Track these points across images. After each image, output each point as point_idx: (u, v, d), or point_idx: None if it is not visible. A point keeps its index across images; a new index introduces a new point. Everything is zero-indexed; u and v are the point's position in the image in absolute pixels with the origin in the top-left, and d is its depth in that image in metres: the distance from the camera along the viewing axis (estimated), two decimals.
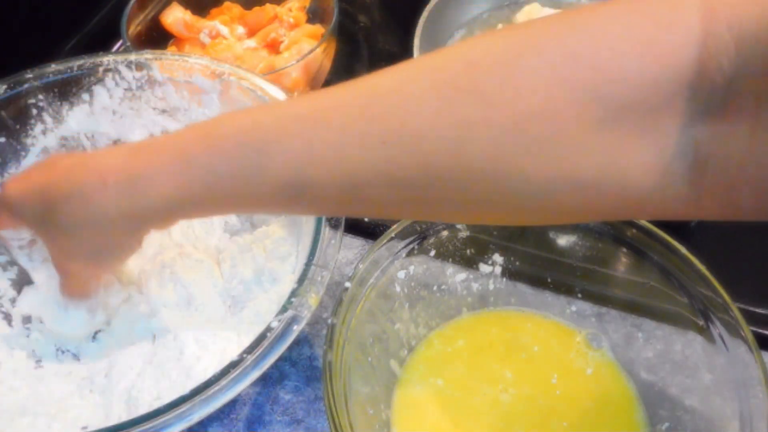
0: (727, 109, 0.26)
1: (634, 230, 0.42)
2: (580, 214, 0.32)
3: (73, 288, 0.44)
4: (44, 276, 0.47)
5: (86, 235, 0.38)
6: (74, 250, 0.40)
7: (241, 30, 0.67)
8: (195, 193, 0.34)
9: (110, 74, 0.51)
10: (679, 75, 0.26)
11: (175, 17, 0.66)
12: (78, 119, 0.52)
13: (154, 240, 0.52)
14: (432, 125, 0.29)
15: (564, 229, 0.44)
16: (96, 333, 0.48)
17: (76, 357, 0.47)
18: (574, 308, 0.46)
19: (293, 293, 0.39)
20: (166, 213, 0.36)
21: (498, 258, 0.46)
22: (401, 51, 0.70)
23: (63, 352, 0.48)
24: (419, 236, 0.43)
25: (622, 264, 0.43)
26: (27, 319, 0.49)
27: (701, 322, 0.39)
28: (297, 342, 0.48)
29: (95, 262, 0.42)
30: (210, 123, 0.35)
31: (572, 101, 0.27)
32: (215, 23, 0.66)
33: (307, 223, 0.45)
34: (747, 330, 0.37)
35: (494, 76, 0.29)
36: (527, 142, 0.28)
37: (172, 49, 0.67)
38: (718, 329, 0.38)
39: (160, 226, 0.39)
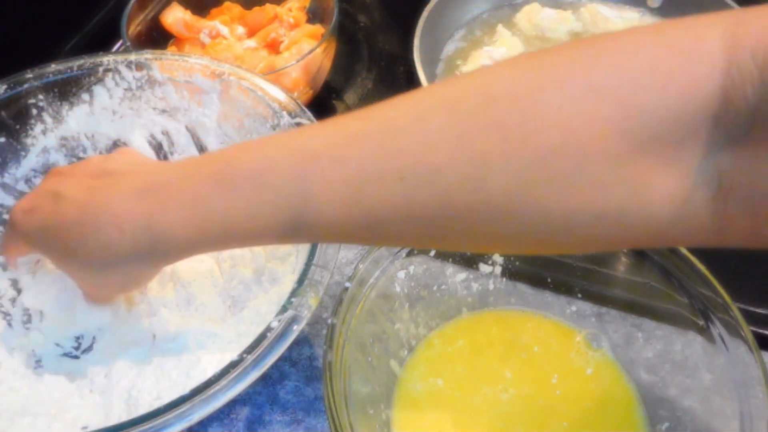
0: (752, 137, 0.26)
1: None
2: (601, 244, 0.32)
3: (96, 300, 0.47)
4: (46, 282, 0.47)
5: (107, 273, 0.39)
6: (95, 283, 0.42)
7: (241, 30, 0.67)
8: (211, 235, 0.35)
9: (110, 74, 0.51)
10: (703, 106, 0.26)
11: (175, 17, 0.66)
12: (78, 119, 0.52)
13: None
14: (450, 161, 0.29)
15: None
16: (94, 337, 0.48)
17: (76, 357, 0.47)
18: (574, 308, 0.46)
19: (293, 293, 0.39)
20: (184, 252, 0.37)
21: (498, 258, 0.46)
22: (401, 51, 0.70)
23: (64, 353, 0.48)
24: None
25: (622, 264, 0.43)
26: (27, 318, 0.49)
27: (701, 322, 0.39)
28: (297, 342, 0.48)
29: (117, 289, 0.44)
30: (223, 159, 0.35)
31: (594, 136, 0.27)
32: (215, 23, 0.66)
33: None
34: (747, 330, 0.37)
35: (514, 110, 0.28)
36: (548, 177, 0.28)
37: (172, 49, 0.67)
38: (718, 329, 0.38)
39: (181, 259, 0.39)
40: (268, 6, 0.69)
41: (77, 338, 0.49)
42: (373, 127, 0.31)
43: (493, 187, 0.29)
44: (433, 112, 0.30)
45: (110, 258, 0.37)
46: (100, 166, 0.40)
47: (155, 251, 0.36)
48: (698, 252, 0.40)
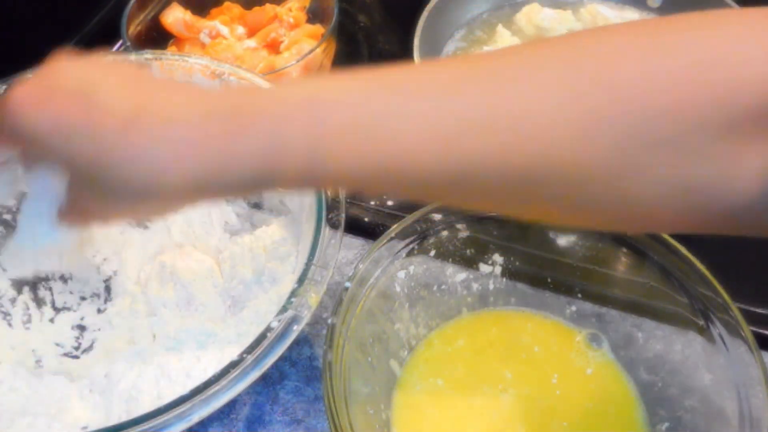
0: None
1: None
2: (678, 223, 0.32)
3: (75, 221, 0.38)
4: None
5: (136, 201, 0.32)
6: (110, 205, 0.34)
7: (241, 30, 0.67)
8: (287, 169, 0.30)
9: None
10: None
11: (175, 17, 0.66)
12: None
13: (154, 240, 0.52)
14: (556, 117, 0.28)
15: (564, 229, 0.44)
16: (94, 340, 0.48)
17: (76, 357, 0.47)
18: (574, 308, 0.46)
19: (293, 293, 0.39)
20: (241, 189, 0.33)
21: (498, 258, 0.46)
22: (401, 51, 0.70)
23: (64, 353, 0.48)
24: (419, 236, 0.43)
25: (622, 264, 0.43)
26: (28, 318, 0.49)
27: (701, 322, 0.39)
28: (297, 342, 0.48)
29: (127, 215, 0.37)
30: (306, 89, 0.31)
31: (699, 106, 0.27)
32: (215, 23, 0.66)
33: (307, 222, 0.45)
34: (747, 330, 0.37)
35: (626, 71, 0.28)
36: (651, 141, 0.28)
37: (172, 49, 0.67)
38: (718, 329, 0.38)
39: (225, 197, 0.35)
40: (268, 6, 0.69)
41: (77, 338, 0.49)
42: (479, 72, 0.30)
43: (596, 146, 0.28)
44: (543, 65, 0.29)
45: (156, 186, 0.31)
46: (144, 72, 0.33)
47: (212, 184, 0.31)
48: (698, 252, 0.40)
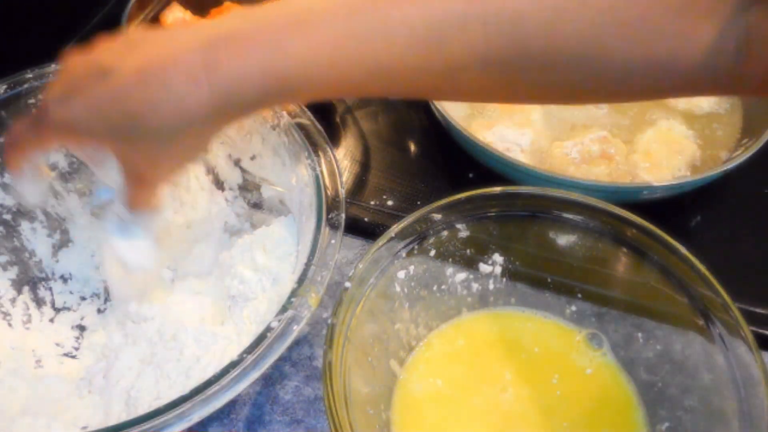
0: None
1: (634, 230, 0.42)
2: (646, 92, 0.37)
3: (143, 199, 0.42)
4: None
5: (176, 139, 0.36)
6: (157, 157, 0.38)
7: None
8: (291, 83, 0.34)
9: None
10: None
11: (175, 17, 0.66)
12: None
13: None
14: (532, 7, 0.32)
15: (564, 229, 0.44)
16: (93, 340, 0.48)
17: (75, 357, 0.47)
18: (574, 308, 0.46)
19: (293, 293, 0.39)
20: (260, 104, 0.36)
21: (498, 258, 0.46)
22: None
23: (64, 353, 0.48)
24: (419, 236, 0.43)
25: (622, 264, 0.43)
26: (28, 318, 0.49)
27: (701, 322, 0.39)
28: (297, 342, 0.48)
29: (173, 159, 0.39)
30: (297, 5, 0.34)
31: None
32: None
33: (307, 222, 0.45)
34: (747, 330, 0.37)
35: None
36: (616, 24, 0.32)
37: None
38: (718, 329, 0.38)
39: (250, 115, 0.40)
40: None
41: (77, 338, 0.49)
42: None
43: (568, 32, 0.32)
44: None
45: (185, 117, 0.34)
46: (137, 35, 0.37)
47: (230, 104, 0.34)
48: (698, 252, 0.40)
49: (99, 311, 0.50)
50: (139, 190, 0.41)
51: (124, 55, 0.35)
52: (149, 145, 0.36)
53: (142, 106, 0.34)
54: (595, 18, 0.32)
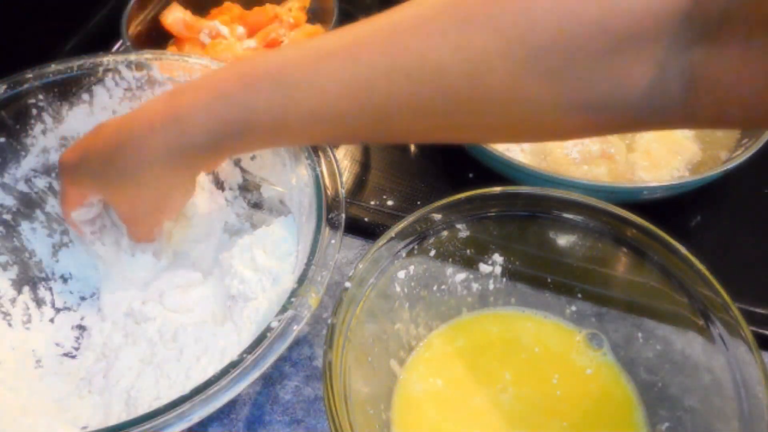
0: (720, 34, 0.29)
1: (634, 230, 0.42)
2: (588, 131, 0.36)
3: (140, 234, 0.47)
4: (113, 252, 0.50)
5: (144, 180, 0.41)
6: (135, 198, 0.42)
7: (241, 30, 0.67)
8: (234, 128, 0.37)
9: (110, 74, 0.51)
10: (678, 7, 0.29)
11: (175, 17, 0.66)
12: (78, 119, 0.52)
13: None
14: (452, 59, 0.32)
15: (564, 229, 0.44)
16: (93, 341, 0.48)
17: (75, 357, 0.47)
18: (574, 308, 0.46)
19: (293, 293, 0.39)
20: (211, 149, 0.39)
21: (498, 258, 0.46)
22: None
23: (64, 353, 0.48)
24: (419, 236, 0.43)
25: (622, 264, 0.43)
26: (28, 318, 0.49)
27: (701, 322, 0.39)
28: (297, 342, 0.48)
29: (156, 207, 0.44)
30: (244, 64, 0.38)
31: (581, 35, 0.30)
32: (215, 23, 0.66)
33: (307, 223, 0.45)
34: (747, 330, 0.37)
35: (509, 11, 0.31)
36: (540, 72, 0.31)
37: (172, 49, 0.67)
38: (718, 329, 0.38)
39: (209, 164, 0.43)
40: (268, 6, 0.69)
41: (77, 338, 0.49)
42: (381, 29, 0.34)
43: (491, 81, 0.32)
44: (434, 15, 0.33)
45: (144, 158, 0.39)
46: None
47: (183, 145, 0.38)
48: (698, 252, 0.40)
49: (99, 311, 0.50)
50: (135, 229, 0.47)
51: (126, 117, 0.42)
52: (122, 189, 0.42)
53: (112, 148, 0.40)
54: (516, 69, 0.31)
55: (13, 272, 0.50)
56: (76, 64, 0.51)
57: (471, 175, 0.59)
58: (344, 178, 0.57)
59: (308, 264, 0.40)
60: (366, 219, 0.56)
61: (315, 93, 0.35)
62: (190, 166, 0.42)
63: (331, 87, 0.35)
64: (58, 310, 0.50)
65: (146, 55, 0.52)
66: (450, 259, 0.45)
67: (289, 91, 0.35)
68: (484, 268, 0.46)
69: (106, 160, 0.41)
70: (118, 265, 0.49)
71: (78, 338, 0.49)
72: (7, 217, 0.50)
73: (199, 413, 0.34)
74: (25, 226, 0.51)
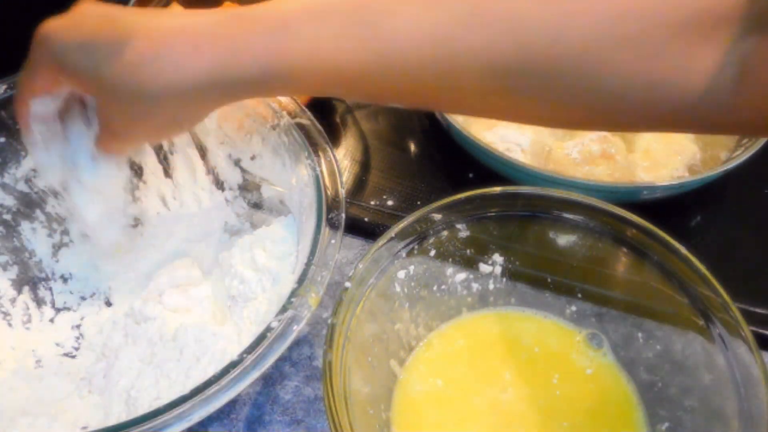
0: None
1: (634, 230, 0.42)
2: (640, 119, 0.36)
3: (111, 145, 0.41)
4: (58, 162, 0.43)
5: (163, 101, 0.35)
6: (141, 114, 0.37)
7: None
8: (293, 64, 0.34)
9: None
10: None
11: None
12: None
13: (153, 239, 0.52)
14: (535, 11, 0.32)
15: (564, 228, 0.44)
16: (93, 341, 0.48)
17: (75, 357, 0.47)
18: (574, 308, 0.46)
19: (293, 293, 0.39)
20: (255, 85, 0.35)
21: (498, 258, 0.46)
22: None
23: (64, 353, 0.48)
24: (419, 236, 0.43)
25: (622, 264, 0.43)
26: (28, 318, 0.49)
27: (701, 322, 0.39)
28: (297, 342, 0.48)
29: (157, 129, 0.39)
30: (299, 2, 0.35)
31: (660, 4, 0.31)
32: None
33: (307, 222, 0.45)
34: (747, 330, 0.37)
35: None
36: (618, 37, 0.32)
37: None
38: (718, 329, 0.38)
39: (238, 98, 0.38)
40: None
41: (77, 338, 0.49)
42: None
43: (571, 39, 0.32)
44: None
45: (178, 81, 0.34)
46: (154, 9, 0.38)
47: (229, 76, 0.34)
48: (698, 252, 0.40)
49: (99, 311, 0.50)
50: (109, 139, 0.40)
51: (141, 14, 0.36)
52: (130, 102, 0.36)
53: (137, 58, 0.34)
54: (598, 28, 0.32)
55: (13, 272, 0.50)
56: None
57: (471, 175, 0.59)
58: (344, 178, 0.57)
59: (308, 264, 0.40)
60: (366, 219, 0.56)
61: (389, 35, 0.33)
62: (221, 100, 0.37)
63: (405, 30, 0.33)
64: (58, 310, 0.50)
65: None
66: (450, 259, 0.45)
67: (361, 30, 0.33)
68: (484, 268, 0.46)
69: (125, 65, 0.34)
70: (74, 172, 0.42)
71: (78, 338, 0.49)
72: (7, 217, 0.50)
73: (199, 413, 0.34)
74: (25, 226, 0.51)
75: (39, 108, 0.39)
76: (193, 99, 0.36)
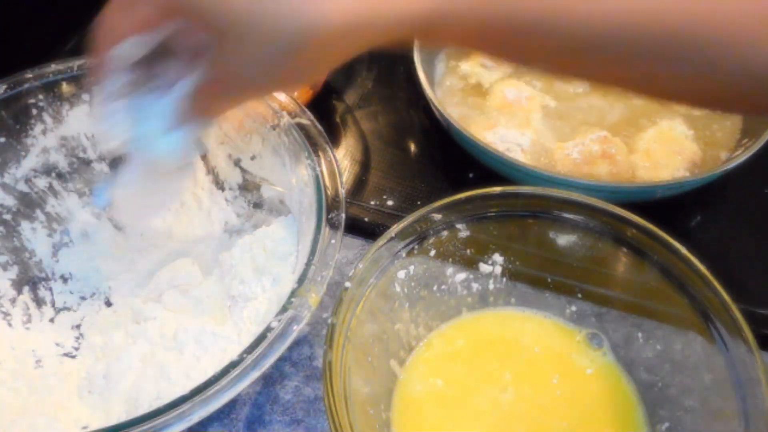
0: None
1: (634, 230, 0.41)
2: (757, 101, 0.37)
3: (211, 104, 0.36)
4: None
5: (299, 42, 0.31)
6: (272, 57, 0.32)
7: None
8: (453, 9, 0.33)
9: None
10: None
11: None
12: (78, 119, 0.52)
13: (153, 240, 0.52)
14: None
15: (564, 228, 0.44)
16: (93, 341, 0.48)
17: (75, 357, 0.47)
18: (574, 308, 0.46)
19: (293, 293, 0.39)
20: (398, 28, 0.33)
21: (498, 258, 0.46)
22: (401, 51, 0.70)
23: (64, 353, 0.48)
24: (419, 236, 0.43)
25: (622, 264, 0.43)
26: (28, 318, 0.49)
27: (701, 322, 0.39)
28: (297, 342, 0.48)
29: (280, 75, 0.34)
30: None
31: None
32: None
33: (307, 222, 0.45)
34: (747, 330, 0.37)
35: None
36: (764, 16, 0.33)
37: None
38: (718, 329, 0.38)
39: (389, 39, 0.34)
40: None
41: (77, 338, 0.49)
42: None
43: (725, 14, 0.33)
44: None
45: (315, 24, 0.30)
46: None
47: (372, 18, 0.31)
48: (698, 252, 0.40)
49: (99, 311, 0.50)
50: (215, 94, 0.35)
51: None
52: (258, 49, 0.31)
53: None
54: (746, 11, 0.33)
55: (13, 272, 0.50)
56: (76, 64, 0.51)
57: (471, 175, 0.59)
58: (344, 178, 0.57)
59: (308, 264, 0.40)
60: (366, 219, 0.56)
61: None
62: (372, 40, 0.33)
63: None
64: (58, 310, 0.50)
65: None
66: (450, 259, 0.45)
67: None
68: (484, 268, 0.46)
69: (265, 10, 0.30)
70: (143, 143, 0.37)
71: (78, 338, 0.49)
72: (7, 217, 0.50)
73: (199, 413, 0.34)
74: (25, 226, 0.51)
75: (126, 52, 0.32)
76: (332, 39, 0.32)
